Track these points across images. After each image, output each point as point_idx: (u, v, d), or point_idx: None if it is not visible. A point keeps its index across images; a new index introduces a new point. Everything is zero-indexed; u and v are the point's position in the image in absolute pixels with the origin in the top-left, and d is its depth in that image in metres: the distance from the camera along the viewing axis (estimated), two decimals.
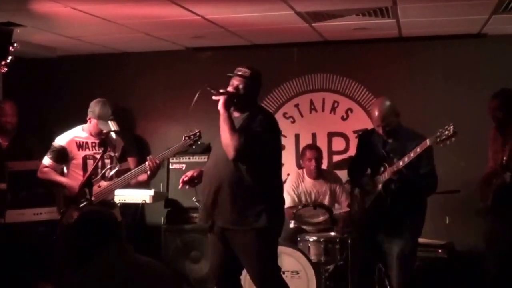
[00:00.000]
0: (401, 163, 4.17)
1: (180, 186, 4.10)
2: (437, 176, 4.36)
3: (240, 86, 3.87)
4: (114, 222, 2.70)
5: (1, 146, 5.44)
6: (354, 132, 6.29)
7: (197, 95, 3.92)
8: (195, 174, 4.07)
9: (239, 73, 3.89)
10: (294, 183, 5.80)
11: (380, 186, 4.34)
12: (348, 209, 5.55)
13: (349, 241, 4.77)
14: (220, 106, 3.81)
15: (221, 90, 3.85)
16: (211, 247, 4.04)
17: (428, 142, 4.06)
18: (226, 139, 3.74)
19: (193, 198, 5.44)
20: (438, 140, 4.00)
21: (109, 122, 4.70)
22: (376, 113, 4.39)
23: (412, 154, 4.11)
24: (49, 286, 4.27)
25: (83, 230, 2.61)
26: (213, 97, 3.85)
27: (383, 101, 4.46)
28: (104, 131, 4.73)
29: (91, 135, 4.78)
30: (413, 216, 4.36)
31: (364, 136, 4.70)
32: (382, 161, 4.35)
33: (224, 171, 3.82)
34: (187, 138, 4.60)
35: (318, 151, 5.85)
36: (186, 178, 4.05)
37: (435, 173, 4.35)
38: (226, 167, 3.81)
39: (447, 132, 3.97)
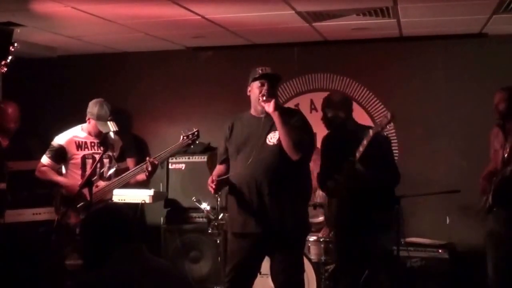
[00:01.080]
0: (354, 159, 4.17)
1: (213, 192, 3.98)
2: (397, 168, 4.36)
3: (271, 86, 3.93)
4: (128, 222, 2.64)
5: (1, 146, 5.43)
6: None
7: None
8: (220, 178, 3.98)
9: (268, 72, 3.94)
10: None
11: (342, 187, 4.31)
12: None
13: None
14: (272, 109, 3.83)
15: (265, 93, 3.86)
16: (233, 249, 3.99)
17: (370, 132, 4.06)
18: (293, 139, 3.80)
19: (193, 198, 5.45)
20: (379, 128, 4.03)
21: (109, 123, 4.68)
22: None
23: (361, 148, 4.10)
24: (79, 260, 4.23)
25: (98, 230, 2.58)
26: (263, 103, 3.86)
27: (332, 93, 4.77)
28: (104, 132, 4.71)
29: (90, 135, 4.78)
30: (380, 214, 4.29)
31: (324, 141, 4.62)
32: (342, 162, 4.31)
33: (271, 175, 3.83)
34: (185, 137, 4.55)
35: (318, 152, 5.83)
36: (213, 184, 3.91)
37: (395, 165, 4.37)
38: (273, 171, 3.83)
39: (384, 119, 4.00)
